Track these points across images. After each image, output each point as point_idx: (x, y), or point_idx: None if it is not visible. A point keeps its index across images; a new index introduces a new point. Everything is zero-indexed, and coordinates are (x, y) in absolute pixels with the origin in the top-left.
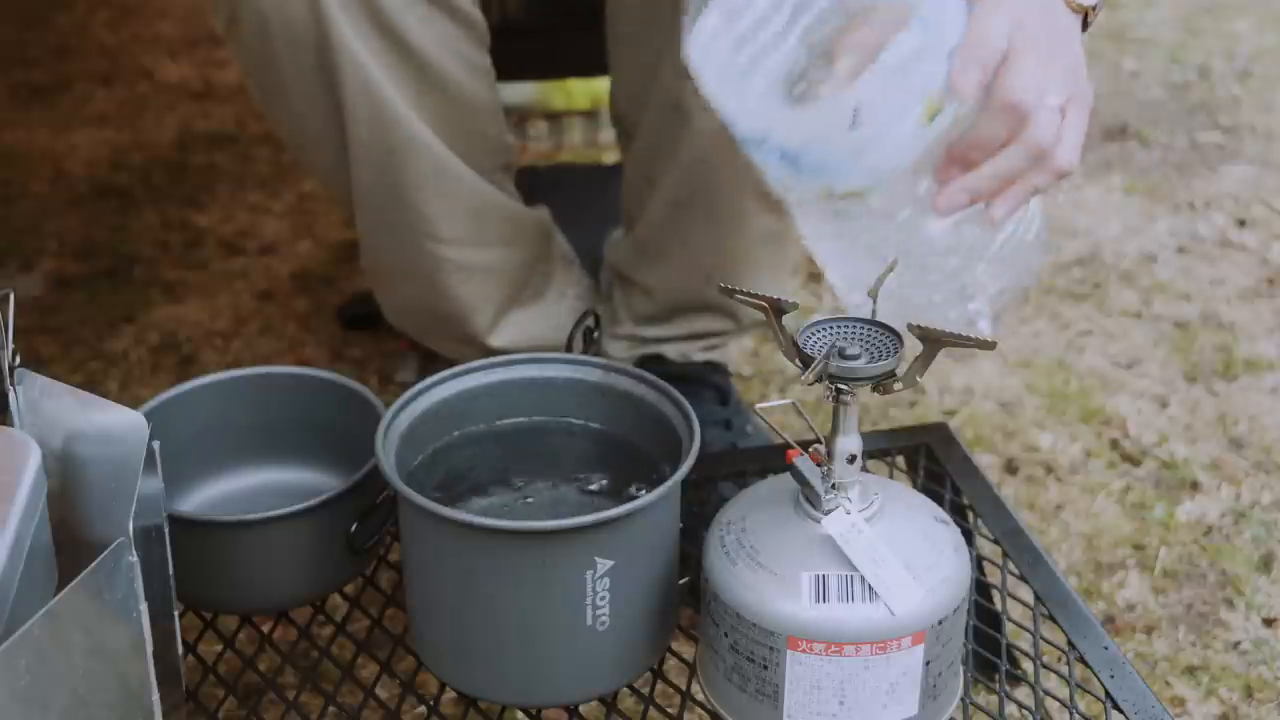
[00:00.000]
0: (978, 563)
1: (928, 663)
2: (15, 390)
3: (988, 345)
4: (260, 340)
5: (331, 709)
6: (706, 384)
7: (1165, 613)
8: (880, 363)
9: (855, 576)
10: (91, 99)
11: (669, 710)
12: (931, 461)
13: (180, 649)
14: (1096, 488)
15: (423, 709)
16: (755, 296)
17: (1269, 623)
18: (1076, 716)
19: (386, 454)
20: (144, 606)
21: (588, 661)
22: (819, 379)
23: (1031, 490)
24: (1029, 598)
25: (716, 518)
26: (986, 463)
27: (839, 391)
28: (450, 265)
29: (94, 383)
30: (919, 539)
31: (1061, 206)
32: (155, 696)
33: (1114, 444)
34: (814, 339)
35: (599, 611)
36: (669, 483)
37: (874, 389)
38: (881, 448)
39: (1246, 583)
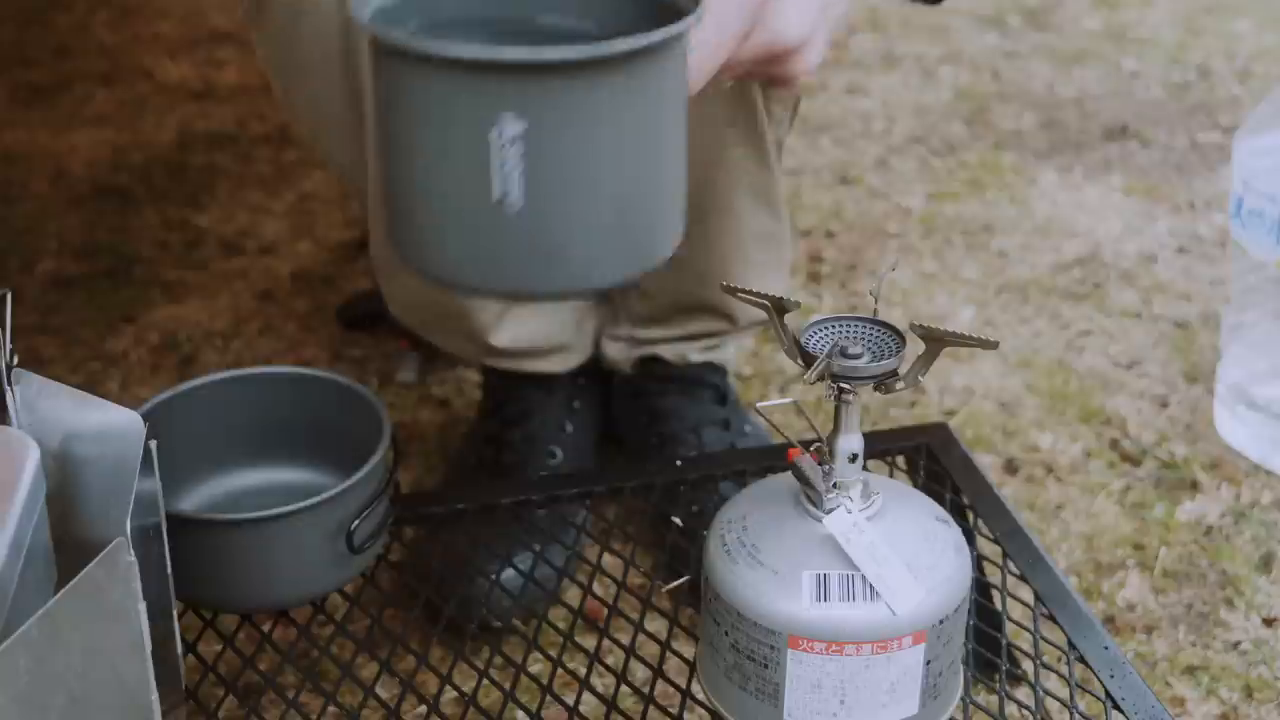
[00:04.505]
0: (978, 563)
1: (928, 662)
2: (13, 390)
3: (989, 345)
4: (260, 340)
5: (331, 708)
6: (704, 384)
7: (1165, 613)
8: (882, 362)
9: (856, 576)
10: (91, 99)
11: (669, 709)
12: (931, 461)
13: (179, 648)
14: (1096, 488)
15: (423, 708)
16: (758, 295)
17: (1269, 623)
18: (1076, 716)
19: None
20: (142, 606)
21: (490, 243)
22: (821, 378)
23: (1031, 490)
24: (1029, 598)
25: (717, 516)
26: (986, 463)
27: (841, 390)
28: None
29: (94, 383)
30: (920, 538)
31: (1061, 206)
32: (154, 696)
33: (1114, 444)
34: (816, 338)
35: (508, 185)
36: (610, 46)
37: (876, 388)
38: (882, 448)
39: (1246, 583)
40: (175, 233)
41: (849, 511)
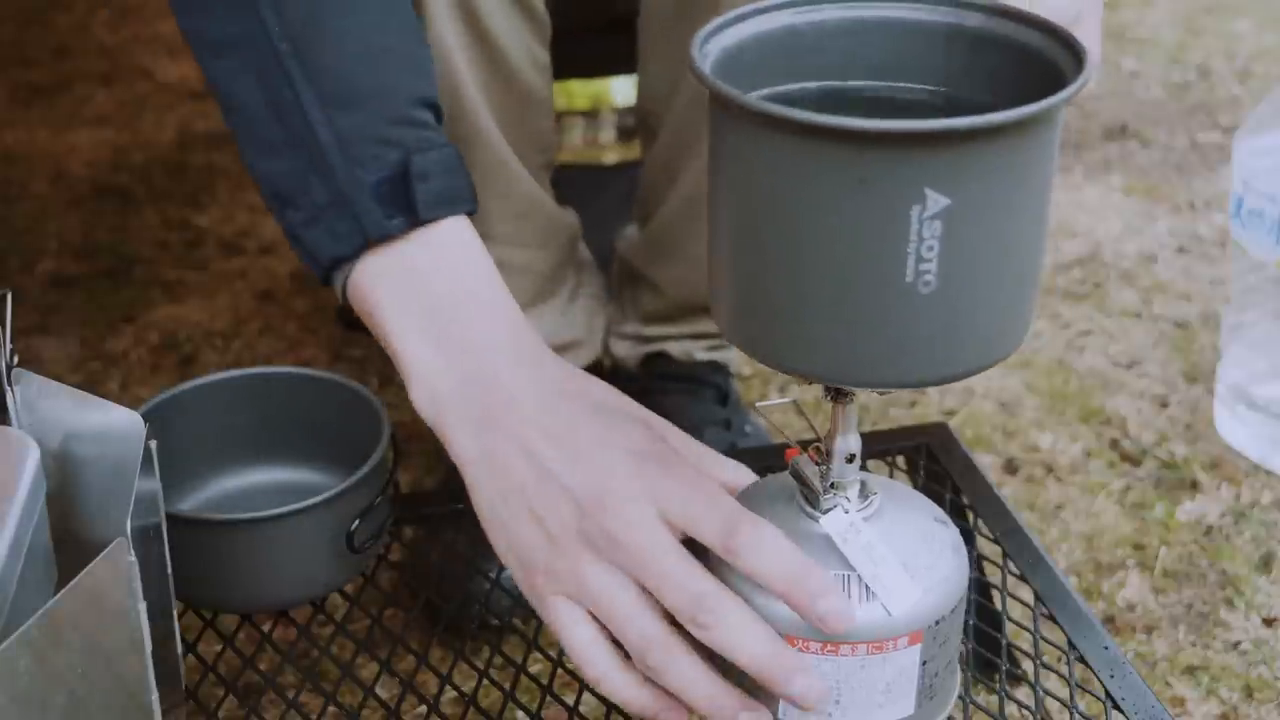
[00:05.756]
0: (978, 563)
1: (924, 662)
2: (13, 390)
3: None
4: (260, 340)
5: (331, 708)
6: (707, 383)
7: (1165, 613)
8: None
9: (853, 576)
10: (91, 99)
11: None
12: (931, 461)
13: (179, 648)
14: (1096, 488)
15: (423, 708)
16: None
17: (1269, 623)
18: (1077, 716)
19: (702, 60)
20: (142, 606)
21: (895, 331)
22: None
23: (1031, 490)
24: (1029, 598)
25: None
26: (986, 463)
27: (838, 391)
28: None
29: (94, 383)
30: (917, 539)
31: (1061, 206)
32: (154, 696)
33: (1114, 444)
34: None
35: (923, 267)
36: (1049, 100)
37: (872, 390)
38: (882, 448)
39: (1246, 583)
40: (175, 233)
41: (846, 511)
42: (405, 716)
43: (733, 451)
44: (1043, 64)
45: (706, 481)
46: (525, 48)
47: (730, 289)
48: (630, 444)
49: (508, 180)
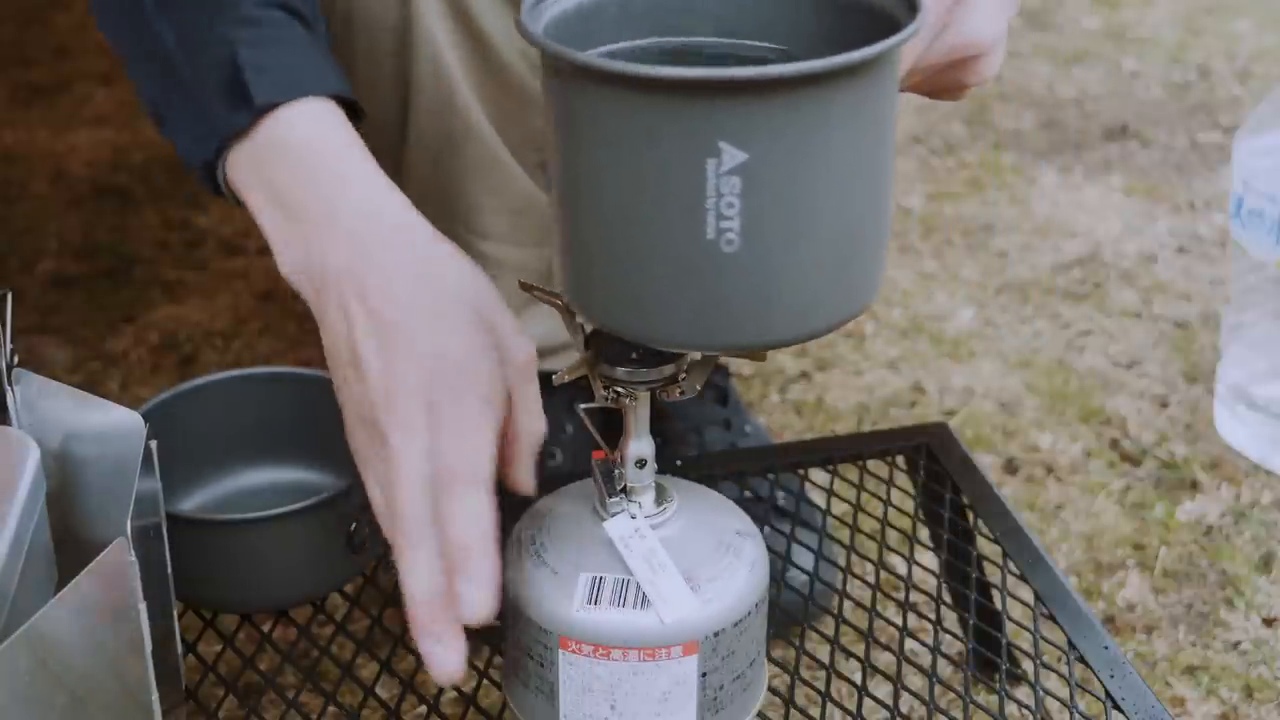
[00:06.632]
0: (978, 562)
1: (704, 674)
2: (13, 390)
3: (758, 357)
4: (260, 340)
5: (331, 708)
6: (707, 384)
7: (1165, 613)
8: (660, 368)
9: (631, 581)
10: (91, 99)
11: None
12: (931, 461)
13: (180, 648)
14: (1096, 488)
15: (423, 708)
16: (549, 294)
17: (1269, 623)
18: (1077, 716)
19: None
20: (142, 606)
21: (700, 292)
22: (606, 381)
23: (1031, 490)
24: (1029, 598)
25: (526, 512)
26: (986, 463)
27: (618, 395)
28: (484, 260)
29: (94, 383)
30: (709, 549)
31: (1061, 206)
32: (154, 696)
33: (1114, 444)
34: (604, 338)
35: (725, 225)
36: (845, 57)
37: (659, 393)
38: (881, 448)
39: (1246, 583)
40: (175, 233)
41: (632, 516)
42: (405, 716)
43: (733, 452)
44: (889, 24)
45: (480, 431)
46: (518, 44)
47: (559, 243)
48: (438, 360)
49: (502, 177)
